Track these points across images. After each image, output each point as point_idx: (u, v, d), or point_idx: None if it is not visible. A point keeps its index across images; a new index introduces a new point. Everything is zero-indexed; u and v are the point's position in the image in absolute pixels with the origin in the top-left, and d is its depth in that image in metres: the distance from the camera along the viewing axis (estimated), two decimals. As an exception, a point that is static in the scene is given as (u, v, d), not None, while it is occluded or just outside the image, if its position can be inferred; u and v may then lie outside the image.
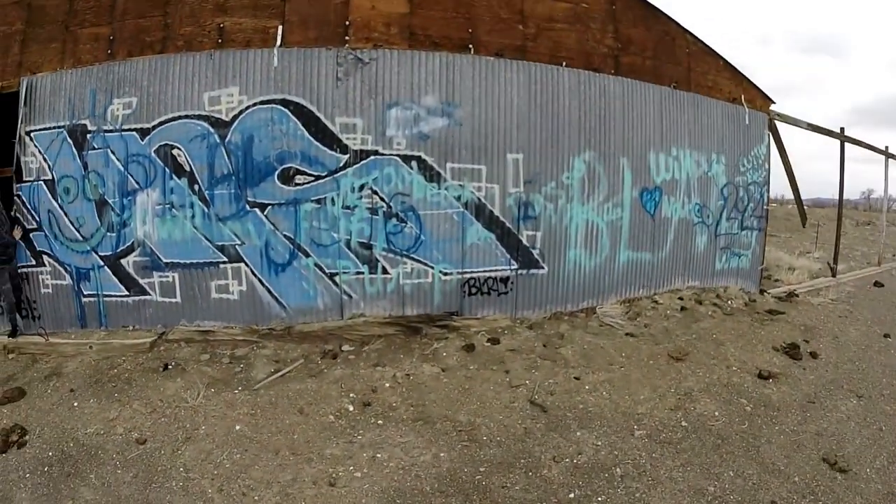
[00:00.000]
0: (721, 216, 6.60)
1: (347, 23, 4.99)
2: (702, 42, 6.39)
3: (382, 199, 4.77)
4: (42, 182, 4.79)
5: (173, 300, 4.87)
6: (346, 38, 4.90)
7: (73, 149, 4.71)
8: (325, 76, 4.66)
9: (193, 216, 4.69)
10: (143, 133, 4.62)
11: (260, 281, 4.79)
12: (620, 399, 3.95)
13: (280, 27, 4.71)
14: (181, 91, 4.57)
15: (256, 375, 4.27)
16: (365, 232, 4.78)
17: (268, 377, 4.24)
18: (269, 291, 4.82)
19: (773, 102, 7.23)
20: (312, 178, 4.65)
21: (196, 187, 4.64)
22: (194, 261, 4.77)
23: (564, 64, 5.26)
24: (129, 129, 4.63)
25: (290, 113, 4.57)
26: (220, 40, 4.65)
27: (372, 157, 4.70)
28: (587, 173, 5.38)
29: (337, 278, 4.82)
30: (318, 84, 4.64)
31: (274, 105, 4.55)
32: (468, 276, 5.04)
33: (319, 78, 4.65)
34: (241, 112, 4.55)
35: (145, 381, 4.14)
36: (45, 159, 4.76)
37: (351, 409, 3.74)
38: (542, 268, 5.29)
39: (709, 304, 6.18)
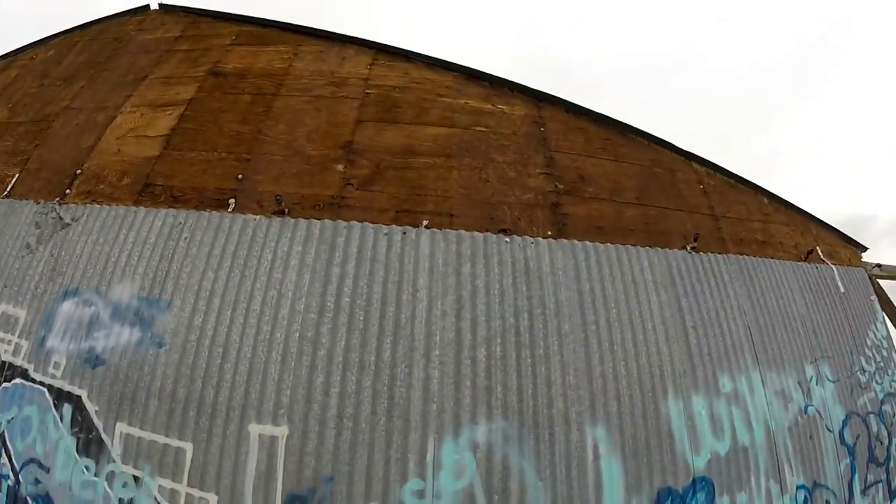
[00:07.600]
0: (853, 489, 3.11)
1: (78, 171, 3.86)
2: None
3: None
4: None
5: None
6: (68, 190, 3.77)
7: None
8: (13, 243, 3.54)
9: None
10: None
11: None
12: None
13: (17, 176, 3.99)
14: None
15: None
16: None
17: None
18: None
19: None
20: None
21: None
22: None
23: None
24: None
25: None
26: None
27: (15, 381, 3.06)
28: None
29: None
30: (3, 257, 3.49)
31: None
32: None
33: (6, 247, 3.52)
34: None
35: None
36: None
37: None
38: None
39: None
